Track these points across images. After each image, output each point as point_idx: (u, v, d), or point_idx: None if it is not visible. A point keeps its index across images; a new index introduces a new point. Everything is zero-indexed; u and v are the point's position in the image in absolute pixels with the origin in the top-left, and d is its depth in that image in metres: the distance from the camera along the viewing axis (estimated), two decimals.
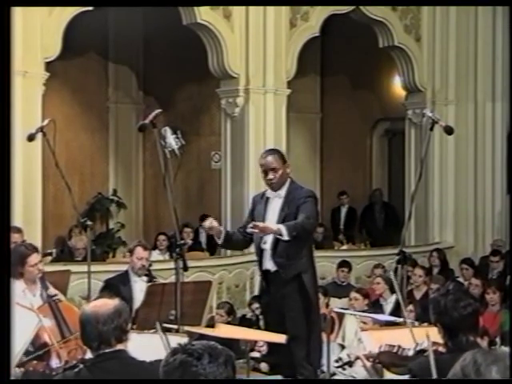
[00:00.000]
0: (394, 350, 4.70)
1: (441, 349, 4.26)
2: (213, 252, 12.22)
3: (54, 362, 5.65)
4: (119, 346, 3.99)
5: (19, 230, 7.83)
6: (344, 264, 10.93)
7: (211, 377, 2.75)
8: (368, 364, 4.54)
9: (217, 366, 2.76)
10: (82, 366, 4.07)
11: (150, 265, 7.62)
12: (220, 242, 6.74)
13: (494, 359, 2.59)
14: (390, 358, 4.61)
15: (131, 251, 7.64)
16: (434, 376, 3.80)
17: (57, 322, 6.03)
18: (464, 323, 4.21)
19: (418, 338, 4.79)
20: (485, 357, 2.60)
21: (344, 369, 4.68)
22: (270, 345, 7.52)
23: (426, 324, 5.76)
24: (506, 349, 7.10)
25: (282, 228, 6.47)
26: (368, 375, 4.65)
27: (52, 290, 6.34)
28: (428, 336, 4.15)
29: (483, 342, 7.28)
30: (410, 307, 7.89)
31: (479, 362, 2.59)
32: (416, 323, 5.25)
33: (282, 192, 6.79)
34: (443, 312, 4.24)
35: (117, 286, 7.31)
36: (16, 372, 5.33)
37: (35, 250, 6.46)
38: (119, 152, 15.02)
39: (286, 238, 6.47)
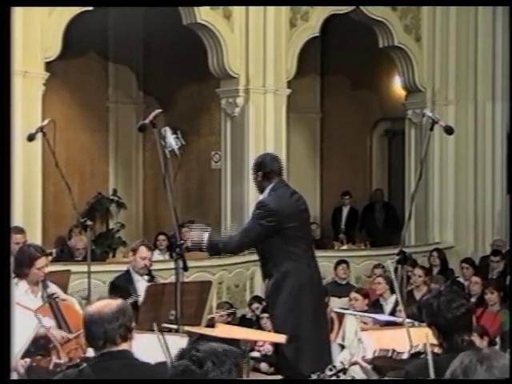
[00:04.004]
0: (389, 355, 4.68)
1: (436, 350, 4.25)
2: None
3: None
4: (124, 345, 3.99)
5: (22, 231, 7.82)
6: (341, 261, 10.89)
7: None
8: (367, 366, 4.52)
9: (220, 374, 2.73)
10: (85, 364, 4.08)
11: (151, 265, 7.63)
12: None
13: (479, 358, 2.60)
14: (384, 363, 4.60)
15: (134, 250, 7.63)
16: (432, 377, 3.80)
17: (57, 322, 6.04)
18: (458, 323, 4.19)
19: (417, 338, 4.78)
20: (470, 357, 2.61)
21: (338, 376, 4.64)
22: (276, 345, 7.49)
23: (425, 324, 5.76)
24: (495, 348, 7.10)
25: (205, 240, 6.40)
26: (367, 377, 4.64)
27: (51, 289, 6.34)
28: (426, 337, 4.14)
29: (483, 342, 7.30)
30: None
31: (465, 362, 2.60)
32: (416, 323, 5.24)
33: None
34: (436, 314, 4.20)
35: (125, 287, 7.31)
36: (20, 365, 5.31)
37: (44, 253, 6.46)
38: (119, 152, 15.02)
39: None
